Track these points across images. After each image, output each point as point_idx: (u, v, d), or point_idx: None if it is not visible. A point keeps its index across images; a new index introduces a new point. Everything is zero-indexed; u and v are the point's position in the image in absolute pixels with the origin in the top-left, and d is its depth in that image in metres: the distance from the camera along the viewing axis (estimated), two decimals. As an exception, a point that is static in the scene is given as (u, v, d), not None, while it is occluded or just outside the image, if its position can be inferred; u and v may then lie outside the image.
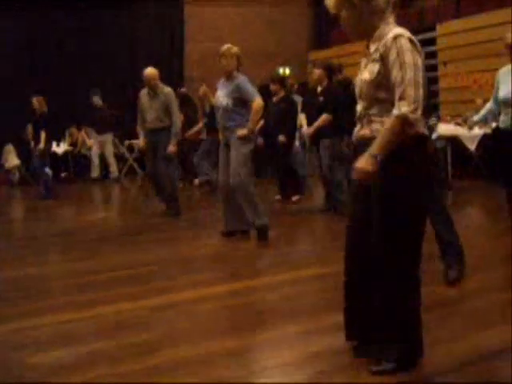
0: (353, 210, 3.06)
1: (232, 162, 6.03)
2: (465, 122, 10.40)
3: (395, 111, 2.72)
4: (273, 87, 9.12)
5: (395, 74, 2.75)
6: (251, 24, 16.35)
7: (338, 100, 7.48)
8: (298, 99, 10.43)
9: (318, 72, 7.75)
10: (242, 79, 6.11)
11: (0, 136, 13.31)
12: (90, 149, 14.35)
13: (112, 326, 3.80)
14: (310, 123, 7.82)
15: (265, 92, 8.87)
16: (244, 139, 6.01)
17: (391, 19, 2.91)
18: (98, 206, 10.55)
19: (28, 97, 13.21)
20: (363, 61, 2.99)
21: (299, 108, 9.97)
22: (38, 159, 10.88)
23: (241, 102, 6.07)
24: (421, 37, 12.87)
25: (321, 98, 7.62)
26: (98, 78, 14.51)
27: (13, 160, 13.94)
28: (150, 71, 7.82)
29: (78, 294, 4.53)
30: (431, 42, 12.82)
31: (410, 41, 2.81)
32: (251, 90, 6.11)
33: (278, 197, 9.26)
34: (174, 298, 4.31)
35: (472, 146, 10.17)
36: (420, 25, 13.44)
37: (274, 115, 8.91)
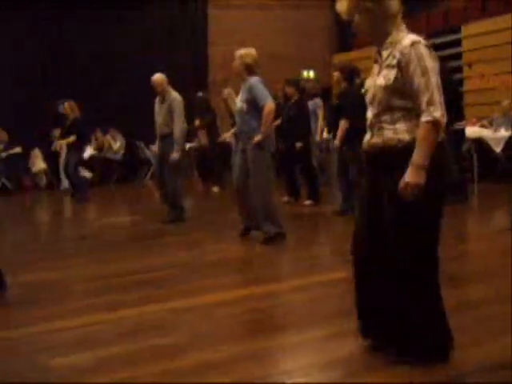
0: (362, 215, 3.06)
1: (251, 174, 6.06)
2: (490, 123, 10.32)
3: (427, 117, 2.72)
4: (288, 90, 9.09)
5: (418, 80, 2.75)
6: (275, 27, 16.36)
7: (355, 104, 7.44)
8: (319, 103, 10.46)
9: (335, 74, 7.83)
10: (253, 81, 6.06)
11: (27, 140, 13.46)
12: (116, 152, 14.48)
13: (133, 329, 3.82)
14: (328, 127, 7.99)
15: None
16: (260, 145, 6.00)
17: (403, 26, 2.91)
18: (121, 210, 10.61)
19: (54, 101, 13.42)
20: (375, 67, 2.99)
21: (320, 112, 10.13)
22: (73, 163, 10.97)
23: (254, 105, 6.03)
24: (446, 38, 12.81)
25: (335, 102, 7.66)
26: (122, 81, 14.64)
27: (39, 164, 14.10)
28: (157, 77, 7.88)
29: (100, 298, 4.56)
30: (456, 43, 12.71)
31: (427, 47, 2.81)
32: (261, 93, 6.04)
33: (285, 199, 9.25)
34: (194, 302, 4.32)
35: (498, 148, 10.06)
36: (445, 26, 13.34)
37: (287, 119, 8.93)
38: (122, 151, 14.65)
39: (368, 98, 2.98)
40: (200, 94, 12.34)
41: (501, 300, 3.89)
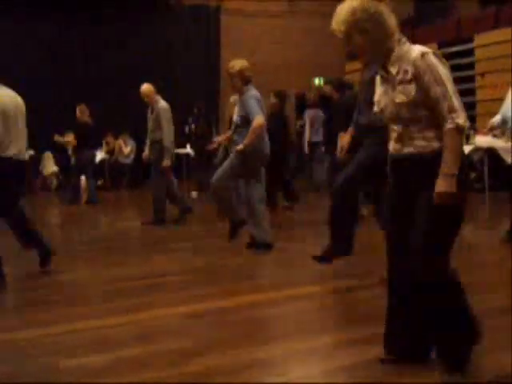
0: (394, 226, 3.05)
1: (220, 173, 6.18)
2: (503, 133, 10.29)
3: (450, 124, 2.73)
4: (272, 100, 9.37)
5: (435, 90, 2.76)
6: (288, 35, 16.41)
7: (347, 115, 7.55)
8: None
9: (328, 88, 8.06)
10: (247, 95, 6.12)
11: (39, 143, 13.53)
12: (127, 156, 14.54)
13: (145, 332, 3.84)
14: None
15: (301, 101, 8.98)
16: (240, 155, 6.08)
17: (403, 38, 2.93)
18: (133, 214, 10.65)
19: (67, 105, 13.52)
20: (384, 84, 2.98)
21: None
22: (76, 167, 11.07)
23: (246, 119, 6.09)
24: (458, 48, 12.81)
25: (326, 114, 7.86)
26: (135, 88, 14.68)
27: (51, 167, 14.17)
28: (144, 88, 8.32)
29: (112, 301, 4.58)
30: (469, 53, 12.71)
31: (436, 56, 2.83)
32: (252, 107, 6.05)
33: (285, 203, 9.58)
34: (204, 307, 4.33)
35: (509, 159, 10.02)
36: (457, 36, 13.34)
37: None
38: (133, 155, 14.70)
39: (387, 115, 2.97)
40: (199, 102, 12.65)
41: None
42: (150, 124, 8.31)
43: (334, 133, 7.25)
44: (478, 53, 12.70)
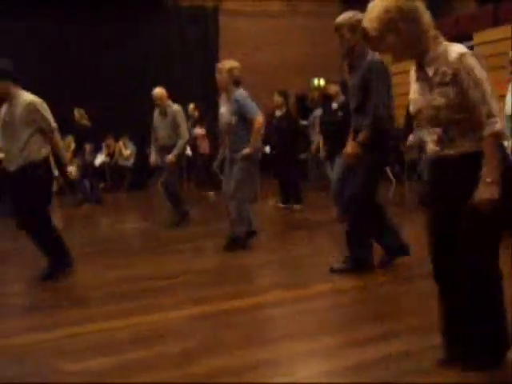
0: (436, 226, 3.02)
1: (234, 178, 6.19)
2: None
3: (489, 130, 2.71)
4: (277, 99, 9.31)
5: (473, 93, 2.73)
6: (287, 35, 16.40)
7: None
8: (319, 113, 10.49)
9: (333, 88, 7.84)
10: (239, 95, 6.16)
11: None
12: (127, 159, 14.54)
13: (149, 335, 3.84)
14: (327, 139, 7.95)
15: (301, 101, 8.88)
16: (248, 158, 6.14)
17: (440, 37, 2.85)
18: (134, 216, 10.65)
19: (66, 108, 13.48)
20: (420, 83, 2.91)
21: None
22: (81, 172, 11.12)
23: (243, 117, 6.15)
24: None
25: (340, 113, 7.52)
26: (133, 89, 14.74)
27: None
28: (157, 91, 8.17)
29: (116, 303, 4.58)
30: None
31: (474, 56, 2.78)
32: (251, 107, 6.16)
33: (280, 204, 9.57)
34: (208, 309, 4.33)
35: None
36: (456, 33, 13.32)
37: (276, 132, 9.00)
38: (133, 158, 14.70)
39: (425, 117, 2.90)
40: (191, 105, 12.76)
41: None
42: (165, 130, 8.16)
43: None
44: (477, 50, 12.69)
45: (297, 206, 9.45)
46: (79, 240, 8.05)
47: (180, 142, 7.99)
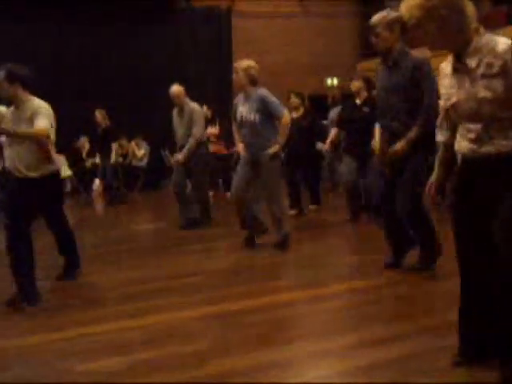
0: (468, 227, 2.94)
1: (267, 186, 6.20)
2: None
3: None
4: (293, 100, 9.16)
5: None
6: (299, 35, 16.40)
7: None
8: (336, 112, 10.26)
9: (356, 84, 7.61)
10: (263, 92, 6.13)
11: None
12: (140, 160, 14.59)
13: (160, 335, 3.85)
14: (350, 136, 7.72)
15: (314, 101, 8.79)
16: (274, 156, 6.11)
17: (482, 28, 2.74)
18: (147, 216, 10.68)
19: (80, 108, 13.59)
20: (457, 77, 2.79)
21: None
22: (111, 171, 11.10)
23: (268, 116, 6.10)
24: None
25: (365, 109, 7.40)
26: (148, 91, 14.80)
27: (65, 171, 14.22)
28: (174, 89, 8.02)
29: (127, 303, 4.60)
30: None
31: None
32: (277, 104, 6.13)
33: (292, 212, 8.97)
34: (220, 309, 4.34)
35: None
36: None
37: (297, 132, 8.83)
38: (147, 159, 14.75)
39: (463, 111, 2.79)
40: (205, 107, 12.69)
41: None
42: (183, 129, 8.04)
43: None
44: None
45: (312, 207, 9.33)
46: (92, 240, 8.10)
47: (190, 141, 7.88)
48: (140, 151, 14.74)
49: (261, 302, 4.50)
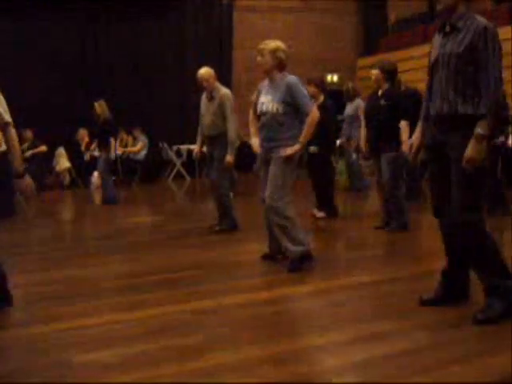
0: None
1: (270, 181, 5.24)
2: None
3: None
4: (310, 89, 7.60)
5: None
6: (300, 31, 16.38)
7: (401, 107, 6.82)
8: (362, 104, 9.86)
9: (374, 72, 6.94)
10: (292, 80, 5.22)
11: (52, 139, 13.58)
12: (138, 153, 14.57)
13: (157, 328, 3.85)
14: (370, 129, 7.04)
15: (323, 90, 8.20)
16: (291, 158, 5.20)
17: None
18: (144, 210, 10.68)
19: (79, 100, 13.57)
20: None
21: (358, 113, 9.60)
22: (104, 164, 10.92)
23: (293, 109, 5.19)
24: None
25: (382, 101, 6.87)
26: (147, 83, 14.80)
27: (64, 163, 14.21)
28: (202, 71, 7.16)
29: (123, 296, 4.60)
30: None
31: None
32: (306, 98, 5.23)
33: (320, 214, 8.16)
34: (218, 303, 4.34)
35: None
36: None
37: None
38: (145, 152, 14.73)
39: None
40: None
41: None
42: (210, 117, 7.07)
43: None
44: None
45: (320, 214, 8.13)
46: (90, 233, 8.10)
47: (230, 138, 6.95)
48: (138, 144, 14.69)
49: (260, 296, 4.50)
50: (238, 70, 15.69)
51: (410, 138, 6.32)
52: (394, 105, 6.83)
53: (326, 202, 8.13)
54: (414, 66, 13.22)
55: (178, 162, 14.82)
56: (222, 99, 7.02)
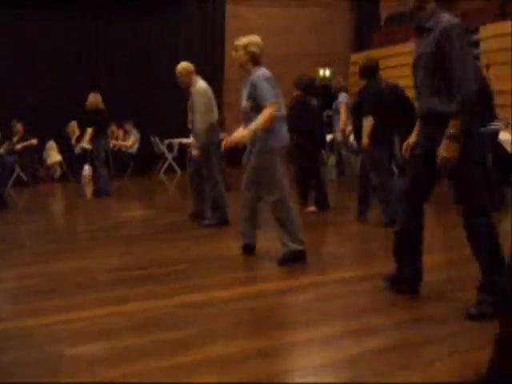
0: None
1: (246, 173, 5.40)
2: (506, 125, 10.23)
3: None
4: (294, 93, 8.16)
5: None
6: (293, 26, 16.36)
7: (378, 102, 6.87)
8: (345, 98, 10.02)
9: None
10: (257, 75, 5.20)
11: (42, 132, 13.54)
12: (131, 147, 14.54)
13: (147, 322, 3.85)
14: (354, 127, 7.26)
15: (309, 92, 8.29)
16: (263, 148, 5.19)
17: None
18: (135, 203, 10.66)
19: (71, 93, 13.52)
20: None
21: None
22: (96, 154, 10.83)
23: (257, 104, 5.18)
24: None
25: (355, 99, 7.12)
26: (139, 77, 14.77)
27: (55, 156, 14.17)
28: (178, 67, 7.22)
29: (113, 290, 4.60)
30: (474, 44, 12.63)
31: None
32: (265, 91, 5.12)
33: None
34: (207, 297, 4.34)
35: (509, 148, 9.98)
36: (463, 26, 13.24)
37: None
38: (137, 145, 14.70)
39: None
40: None
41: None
42: (189, 111, 7.17)
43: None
44: (484, 44, 12.63)
45: (311, 208, 8.19)
46: (81, 227, 8.08)
47: (195, 131, 7.07)
48: (130, 138, 14.65)
49: (249, 290, 4.51)
50: (229, 65, 15.65)
51: (371, 135, 6.68)
52: (358, 103, 7.01)
53: (318, 196, 8.21)
54: (407, 61, 13.23)
55: (170, 156, 14.81)
56: (194, 95, 7.05)
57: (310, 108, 8.17)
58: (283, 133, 5.30)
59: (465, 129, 3.55)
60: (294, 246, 5.24)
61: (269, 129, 5.13)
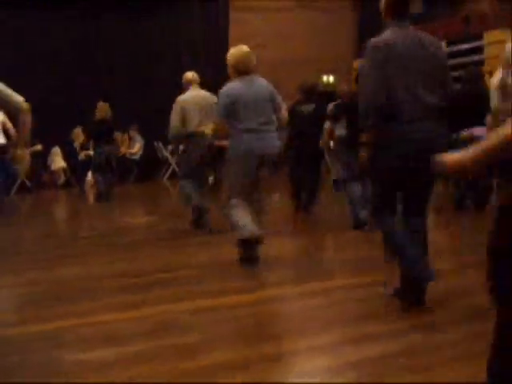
0: None
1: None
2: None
3: None
4: (297, 96, 8.41)
5: None
6: (296, 30, 16.39)
7: (348, 109, 6.94)
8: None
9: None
10: (223, 88, 5.45)
11: (47, 138, 13.57)
12: (135, 154, 14.57)
13: (152, 327, 3.85)
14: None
15: (309, 97, 8.31)
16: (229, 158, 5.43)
17: None
18: (139, 209, 10.66)
19: (75, 100, 13.55)
20: None
21: None
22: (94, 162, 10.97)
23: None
24: (467, 45, 12.74)
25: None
26: (143, 82, 14.79)
27: (59, 162, 14.20)
28: (184, 76, 7.55)
29: (120, 296, 4.60)
30: (478, 50, 12.64)
31: None
32: (217, 103, 5.53)
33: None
34: (212, 303, 4.33)
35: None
36: (466, 33, 13.26)
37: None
38: (141, 152, 14.73)
39: None
40: None
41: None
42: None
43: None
44: (488, 50, 12.63)
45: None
46: (85, 232, 8.09)
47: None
48: (135, 145, 14.67)
49: (254, 297, 4.50)
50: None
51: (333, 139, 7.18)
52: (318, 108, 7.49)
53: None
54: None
55: (173, 162, 14.81)
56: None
57: (298, 114, 8.20)
58: (245, 143, 5.31)
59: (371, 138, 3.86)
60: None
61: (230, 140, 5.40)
